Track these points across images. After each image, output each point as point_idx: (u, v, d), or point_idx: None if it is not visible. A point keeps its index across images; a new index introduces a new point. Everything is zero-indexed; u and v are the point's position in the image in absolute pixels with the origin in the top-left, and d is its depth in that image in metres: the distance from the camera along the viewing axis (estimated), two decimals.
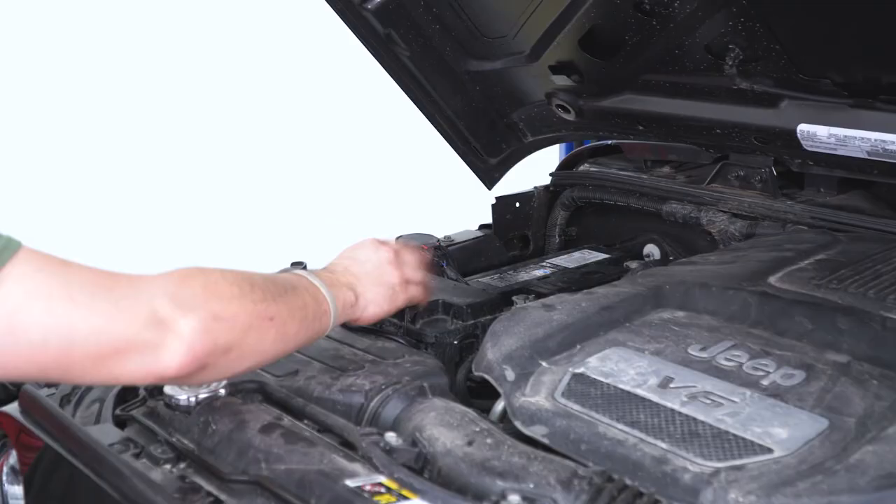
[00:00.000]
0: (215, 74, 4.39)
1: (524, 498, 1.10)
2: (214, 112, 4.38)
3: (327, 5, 2.07)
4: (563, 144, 2.94)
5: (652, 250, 2.20)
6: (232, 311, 1.21)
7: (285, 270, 1.63)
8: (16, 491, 1.53)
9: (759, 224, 1.96)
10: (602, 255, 2.17)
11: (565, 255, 2.19)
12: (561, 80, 2.16)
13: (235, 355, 1.22)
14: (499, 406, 1.36)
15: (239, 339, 1.22)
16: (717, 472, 1.11)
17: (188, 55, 4.32)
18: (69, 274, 1.12)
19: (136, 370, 1.14)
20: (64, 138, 4.11)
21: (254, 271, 1.34)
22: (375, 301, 1.50)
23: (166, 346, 1.14)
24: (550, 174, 2.42)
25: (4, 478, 1.55)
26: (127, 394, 1.51)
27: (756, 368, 1.34)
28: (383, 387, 1.40)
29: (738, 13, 1.77)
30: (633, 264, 2.09)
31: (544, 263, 2.13)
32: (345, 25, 2.12)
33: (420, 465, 1.21)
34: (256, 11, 4.24)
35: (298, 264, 1.82)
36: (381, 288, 1.51)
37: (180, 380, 1.22)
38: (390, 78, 2.23)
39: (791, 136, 1.86)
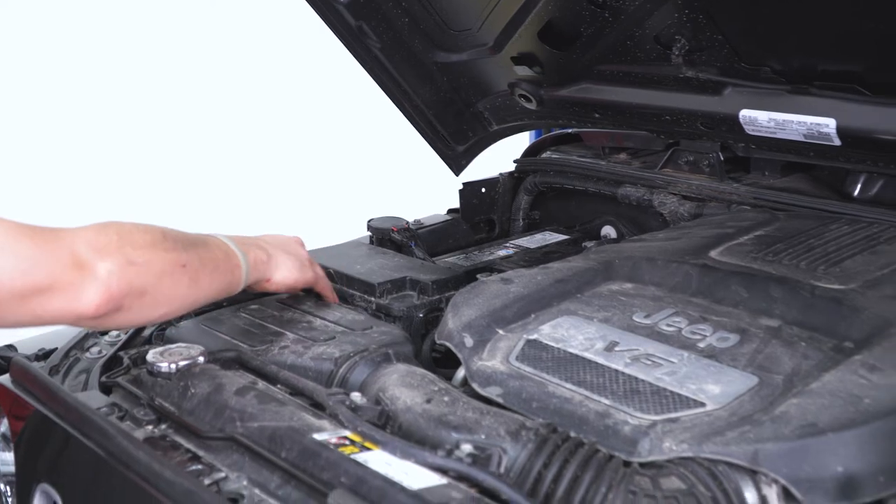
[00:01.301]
0: (191, 65, 4.34)
1: (476, 447, 1.13)
2: (187, 99, 4.32)
3: None
4: (533, 132, 2.97)
5: (609, 231, 2.23)
6: (145, 257, 1.28)
7: None
8: (6, 457, 1.55)
9: (706, 205, 1.99)
10: (562, 237, 2.21)
11: (528, 237, 2.23)
12: (522, 71, 2.19)
13: (150, 299, 1.29)
14: (460, 373, 1.40)
15: (153, 283, 1.28)
16: (653, 424, 1.15)
17: (159, 42, 4.25)
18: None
19: (57, 310, 1.21)
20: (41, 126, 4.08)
21: (167, 227, 1.40)
22: (286, 265, 1.58)
23: (85, 287, 1.21)
24: (515, 161, 2.46)
25: None
26: (112, 363, 1.54)
27: (694, 333, 1.37)
28: (351, 354, 1.44)
29: (683, 5, 1.79)
30: (591, 244, 2.12)
31: (508, 244, 2.17)
32: (319, 18, 2.13)
33: (383, 421, 1.25)
34: (233, 5, 4.22)
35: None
36: (291, 257, 1.60)
37: (98, 320, 1.27)
38: (363, 69, 2.25)
39: (734, 122, 1.90)
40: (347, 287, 1.79)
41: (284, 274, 1.58)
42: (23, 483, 1.42)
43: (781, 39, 1.79)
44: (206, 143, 4.35)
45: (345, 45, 2.18)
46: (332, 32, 2.16)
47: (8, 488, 1.57)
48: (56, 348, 1.66)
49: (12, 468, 1.50)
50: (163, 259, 1.32)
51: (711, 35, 1.85)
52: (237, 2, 4.27)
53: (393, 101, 2.31)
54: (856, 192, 1.92)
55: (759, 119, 1.86)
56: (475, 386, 1.33)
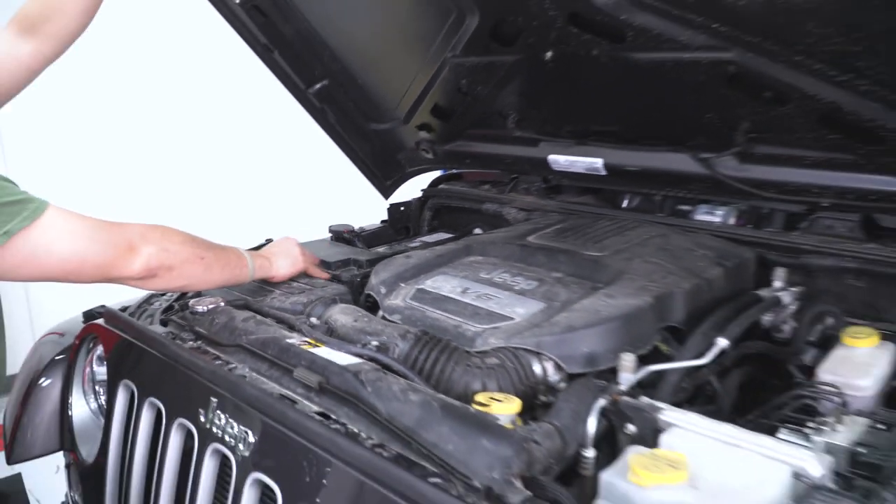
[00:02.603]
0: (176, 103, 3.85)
1: (380, 343, 1.25)
2: (174, 123, 3.88)
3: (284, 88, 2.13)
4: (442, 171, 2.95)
5: (478, 231, 2.22)
6: (175, 248, 1.35)
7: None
8: (101, 371, 1.63)
9: (533, 213, 2.05)
10: (450, 235, 2.23)
11: (429, 236, 2.27)
12: (423, 134, 2.21)
13: (175, 274, 1.35)
14: (380, 313, 1.47)
15: (178, 265, 1.35)
16: (484, 330, 1.27)
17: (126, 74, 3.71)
18: (82, 220, 1.24)
19: (117, 273, 1.28)
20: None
21: (200, 236, 1.44)
22: (283, 265, 1.62)
23: (134, 260, 1.28)
24: (422, 190, 2.49)
25: (95, 361, 1.65)
26: (167, 310, 1.60)
27: (513, 281, 1.47)
28: (314, 300, 1.53)
29: (512, 92, 1.86)
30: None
31: (416, 241, 2.19)
32: (296, 102, 2.18)
33: (328, 333, 1.35)
34: (220, 68, 3.69)
35: (269, 240, 1.88)
36: (287, 258, 1.64)
37: (140, 282, 1.32)
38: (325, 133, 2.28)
39: (545, 163, 1.94)
40: None
41: (283, 272, 1.62)
42: (112, 381, 1.47)
43: (571, 115, 1.87)
44: (197, 167, 3.94)
45: (312, 117, 2.21)
46: (304, 109, 2.19)
47: (101, 389, 1.65)
48: (129, 305, 1.73)
49: (105, 376, 1.57)
50: (187, 251, 1.38)
51: (531, 111, 1.92)
52: (217, 68, 3.71)
53: (345, 152, 2.34)
54: (624, 205, 1.99)
55: (559, 160, 1.91)
56: (385, 315, 1.43)
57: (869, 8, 1.08)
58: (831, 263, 1.54)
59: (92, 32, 1.55)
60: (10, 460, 1.69)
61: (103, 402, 1.62)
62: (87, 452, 1.58)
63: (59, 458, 1.70)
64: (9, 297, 3.53)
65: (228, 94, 3.89)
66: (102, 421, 1.53)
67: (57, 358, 1.72)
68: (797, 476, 0.93)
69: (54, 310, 2.15)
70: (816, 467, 0.93)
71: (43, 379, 1.71)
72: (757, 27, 1.24)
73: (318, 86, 2.13)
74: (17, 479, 1.81)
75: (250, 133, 4.08)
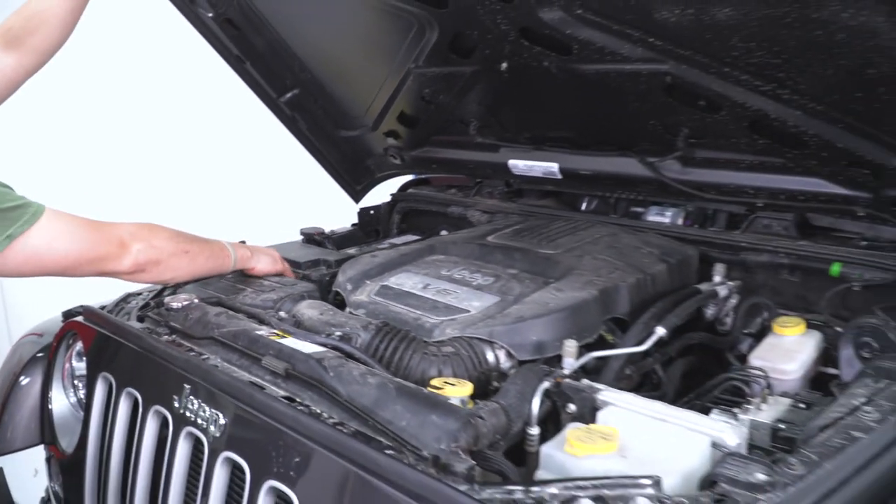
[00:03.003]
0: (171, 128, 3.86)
1: (344, 334, 1.32)
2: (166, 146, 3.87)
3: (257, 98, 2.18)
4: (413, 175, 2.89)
5: (444, 233, 2.24)
6: (162, 244, 1.43)
7: None
8: (81, 366, 1.67)
9: (495, 216, 2.11)
10: (417, 238, 2.26)
11: (397, 238, 2.32)
12: (391, 141, 2.28)
13: (162, 267, 1.43)
14: (347, 310, 1.54)
15: (164, 258, 1.43)
16: (442, 322, 1.34)
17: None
18: (76, 221, 1.31)
19: (108, 269, 1.36)
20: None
21: (185, 231, 1.51)
22: (263, 261, 1.69)
23: (124, 256, 1.36)
24: (391, 194, 2.53)
25: (74, 357, 1.69)
26: (144, 307, 1.61)
27: (471, 277, 1.53)
28: (283, 297, 1.57)
29: (472, 100, 1.92)
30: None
31: (385, 243, 2.24)
32: (268, 110, 2.23)
33: (296, 325, 1.41)
34: (204, 87, 3.55)
35: (242, 242, 1.92)
36: (268, 256, 1.71)
37: (131, 276, 1.40)
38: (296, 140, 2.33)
39: (506, 167, 2.02)
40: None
41: (262, 266, 1.68)
42: (91, 374, 1.52)
43: (528, 122, 1.95)
44: (173, 172, 3.94)
45: (285, 125, 2.26)
46: (276, 118, 2.24)
47: (80, 383, 1.70)
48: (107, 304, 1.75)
49: (84, 371, 1.62)
50: (173, 246, 1.46)
51: (490, 118, 1.99)
52: (205, 91, 3.60)
53: (316, 158, 2.38)
54: (582, 208, 2.05)
55: (518, 165, 1.99)
56: (351, 311, 1.49)
57: (784, 25, 1.19)
58: (767, 259, 1.65)
59: (72, 41, 1.60)
60: None
61: (82, 396, 1.67)
62: (67, 444, 1.62)
63: (37, 462, 1.74)
64: None
65: (203, 102, 3.91)
66: (82, 413, 1.58)
67: (37, 356, 1.76)
68: (715, 446, 1.03)
69: (30, 313, 2.18)
70: (732, 437, 1.04)
71: (23, 377, 1.76)
72: (688, 41, 1.35)
73: (288, 95, 2.18)
74: None
75: (224, 140, 4.10)
